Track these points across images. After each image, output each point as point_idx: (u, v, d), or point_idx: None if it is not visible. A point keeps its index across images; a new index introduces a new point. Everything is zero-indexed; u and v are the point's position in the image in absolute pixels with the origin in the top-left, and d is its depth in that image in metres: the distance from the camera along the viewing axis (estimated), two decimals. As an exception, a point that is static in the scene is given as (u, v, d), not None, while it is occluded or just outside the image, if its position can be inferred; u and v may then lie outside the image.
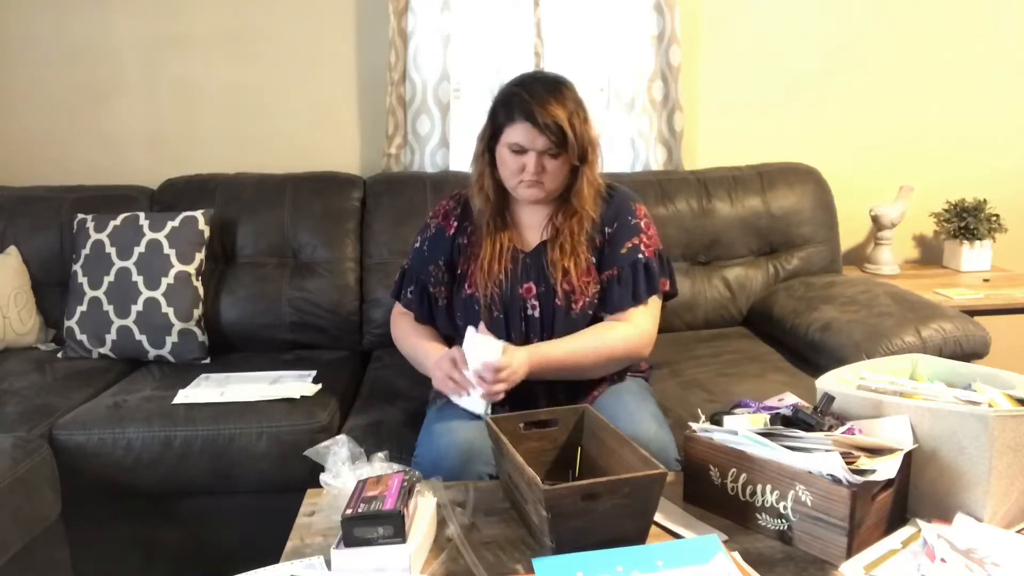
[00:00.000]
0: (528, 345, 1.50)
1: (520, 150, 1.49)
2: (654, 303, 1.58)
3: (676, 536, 1.14)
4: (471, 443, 1.42)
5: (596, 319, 1.58)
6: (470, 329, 1.46)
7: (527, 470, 1.10)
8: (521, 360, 1.43)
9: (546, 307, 1.55)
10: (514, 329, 1.56)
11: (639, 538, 1.11)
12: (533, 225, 1.61)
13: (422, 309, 1.65)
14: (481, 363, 1.39)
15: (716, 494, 1.19)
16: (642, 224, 1.58)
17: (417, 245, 1.68)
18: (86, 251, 2.20)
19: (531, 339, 1.55)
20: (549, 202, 1.59)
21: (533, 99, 1.46)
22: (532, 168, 1.49)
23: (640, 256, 1.55)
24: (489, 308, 1.56)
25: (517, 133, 1.48)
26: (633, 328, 1.53)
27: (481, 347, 1.41)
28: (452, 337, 1.64)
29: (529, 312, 1.56)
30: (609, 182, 1.64)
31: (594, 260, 1.57)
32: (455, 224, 1.64)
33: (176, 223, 2.19)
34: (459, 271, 1.61)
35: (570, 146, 1.48)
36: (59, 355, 2.21)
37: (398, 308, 1.72)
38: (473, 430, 1.43)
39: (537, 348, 1.49)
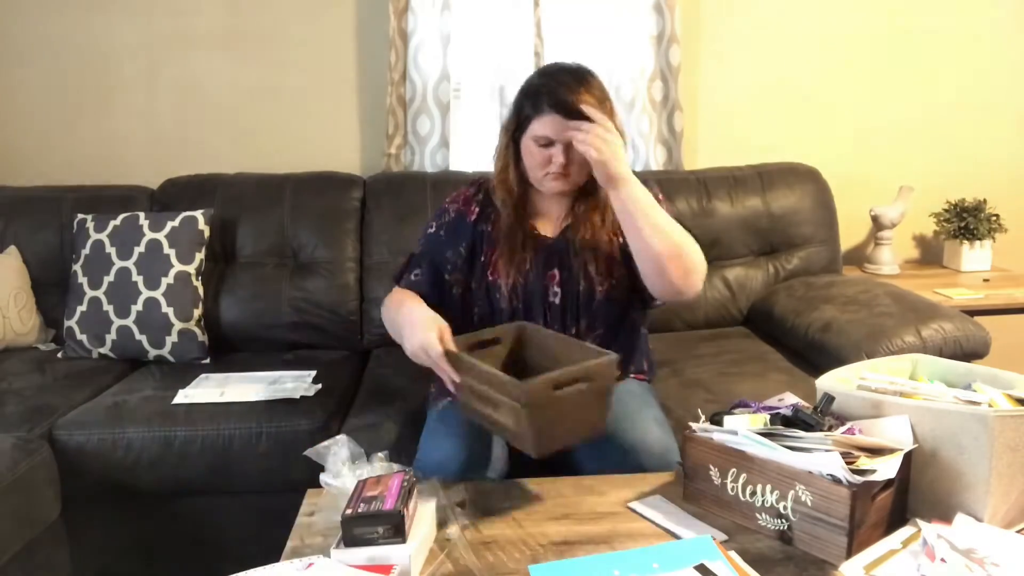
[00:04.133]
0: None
1: (548, 143, 1.45)
2: None
3: (676, 536, 1.14)
4: (474, 448, 1.41)
5: (629, 306, 1.58)
6: None
7: (497, 374, 1.20)
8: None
9: (568, 293, 1.54)
10: (535, 316, 1.54)
11: (602, 423, 1.27)
12: (553, 214, 1.59)
13: (433, 294, 1.57)
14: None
15: (716, 494, 1.19)
16: (663, 205, 1.54)
17: (432, 231, 1.62)
18: (86, 251, 2.20)
19: (551, 327, 1.53)
20: (571, 193, 1.56)
21: (561, 88, 1.43)
22: (560, 160, 1.45)
23: None
24: (510, 297, 1.54)
25: (545, 126, 1.44)
26: None
27: None
28: (461, 328, 1.57)
29: (551, 299, 1.55)
30: None
31: (621, 241, 1.53)
32: (477, 210, 1.60)
33: (176, 223, 2.19)
34: (482, 258, 1.57)
35: None
36: (59, 355, 2.21)
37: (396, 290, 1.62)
38: (475, 435, 1.43)
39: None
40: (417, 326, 1.36)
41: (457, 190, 1.66)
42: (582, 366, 1.22)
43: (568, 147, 1.45)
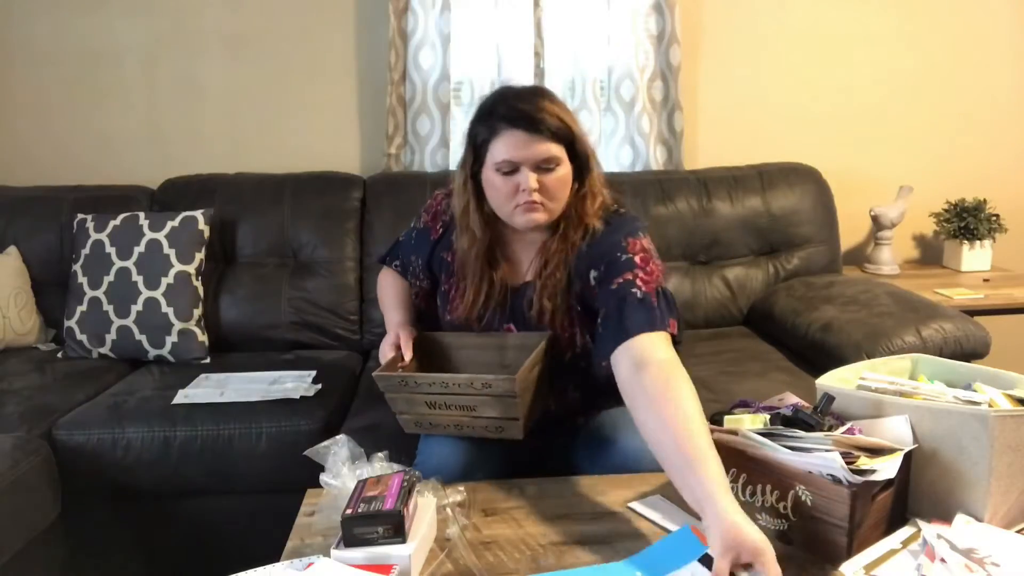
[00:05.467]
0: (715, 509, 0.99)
1: (511, 169, 1.27)
2: (661, 338, 1.21)
3: (676, 536, 1.14)
4: (473, 451, 1.40)
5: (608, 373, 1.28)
6: None
7: (481, 376, 1.28)
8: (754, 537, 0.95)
9: None
10: None
11: (549, 399, 1.44)
12: (525, 259, 1.43)
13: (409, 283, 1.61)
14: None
15: (716, 494, 1.19)
16: (636, 259, 1.30)
17: (412, 225, 1.59)
18: (86, 251, 2.20)
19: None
20: (548, 226, 1.37)
21: (519, 102, 1.27)
22: (530, 185, 1.26)
23: (634, 291, 1.26)
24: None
25: (504, 147, 1.26)
26: (655, 366, 1.16)
27: None
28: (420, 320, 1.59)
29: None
30: (615, 203, 1.41)
31: (579, 308, 1.39)
32: (441, 231, 1.50)
33: (176, 223, 2.19)
34: (443, 288, 1.50)
35: (567, 142, 1.28)
36: (59, 355, 2.21)
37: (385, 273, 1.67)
38: (474, 438, 1.42)
39: (717, 501, 0.99)
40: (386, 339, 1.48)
41: (434, 194, 1.56)
42: (539, 350, 1.35)
43: (536, 170, 1.26)
